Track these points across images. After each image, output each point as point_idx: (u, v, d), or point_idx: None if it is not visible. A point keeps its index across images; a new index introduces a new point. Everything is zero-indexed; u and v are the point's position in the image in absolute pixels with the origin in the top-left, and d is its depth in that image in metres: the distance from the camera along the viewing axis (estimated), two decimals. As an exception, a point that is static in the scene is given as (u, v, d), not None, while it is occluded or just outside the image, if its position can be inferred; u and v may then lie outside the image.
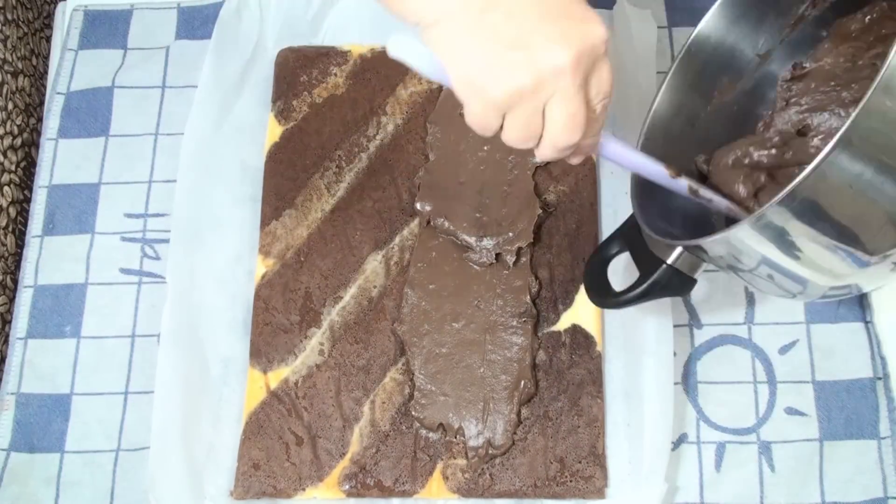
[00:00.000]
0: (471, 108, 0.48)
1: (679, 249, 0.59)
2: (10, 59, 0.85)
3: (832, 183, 0.50)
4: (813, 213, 0.51)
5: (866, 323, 0.70)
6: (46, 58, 0.90)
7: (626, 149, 0.57)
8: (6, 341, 0.77)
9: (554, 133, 0.49)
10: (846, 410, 0.68)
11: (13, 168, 0.83)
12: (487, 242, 0.71)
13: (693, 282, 0.60)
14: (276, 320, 0.72)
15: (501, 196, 0.72)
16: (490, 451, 0.67)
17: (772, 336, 0.71)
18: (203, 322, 0.72)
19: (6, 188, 0.81)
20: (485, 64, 0.46)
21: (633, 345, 0.69)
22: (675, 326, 0.69)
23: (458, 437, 0.67)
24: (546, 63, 0.46)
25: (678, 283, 0.60)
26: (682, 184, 0.59)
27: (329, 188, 0.75)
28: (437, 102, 0.77)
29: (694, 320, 0.71)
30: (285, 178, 0.76)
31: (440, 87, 0.77)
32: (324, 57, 0.80)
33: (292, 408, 0.69)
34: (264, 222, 0.75)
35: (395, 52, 0.47)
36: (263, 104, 0.79)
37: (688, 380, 0.70)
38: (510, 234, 0.71)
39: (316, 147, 0.77)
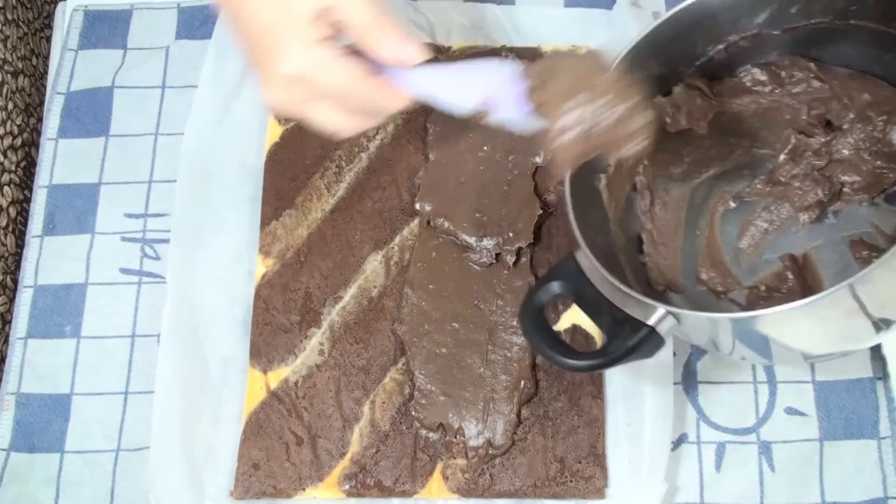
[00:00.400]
0: None
1: (662, 311, 0.54)
2: (10, 59, 0.85)
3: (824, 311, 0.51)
4: (796, 325, 0.52)
5: (866, 323, 0.70)
6: (46, 58, 0.90)
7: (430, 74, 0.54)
8: (6, 341, 0.77)
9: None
10: (846, 410, 0.68)
11: (13, 168, 0.83)
12: (487, 242, 0.71)
13: (664, 343, 0.56)
14: (276, 320, 0.72)
15: (501, 196, 0.72)
16: (490, 451, 0.67)
17: (772, 336, 0.71)
18: (203, 322, 0.72)
19: (6, 188, 0.81)
20: None
21: (633, 345, 0.69)
22: (675, 326, 0.69)
23: (458, 437, 0.67)
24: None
25: (653, 345, 0.55)
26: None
27: (329, 188, 0.75)
28: (437, 102, 0.77)
29: (694, 320, 0.71)
30: (285, 178, 0.76)
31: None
32: (324, 57, 0.80)
33: (292, 408, 0.69)
34: (264, 222, 0.75)
35: None
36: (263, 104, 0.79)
37: (688, 380, 0.70)
38: (510, 234, 0.71)
39: (316, 147, 0.77)
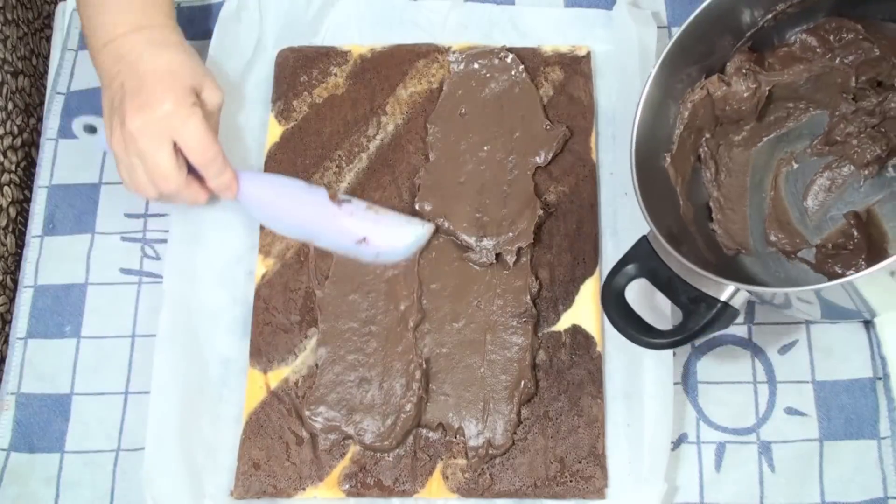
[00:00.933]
0: None
1: (733, 288, 0.58)
2: (10, 59, 0.85)
3: None
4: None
5: (866, 323, 0.70)
6: (46, 58, 0.90)
7: (266, 185, 0.69)
8: (6, 341, 0.77)
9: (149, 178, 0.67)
10: (846, 410, 0.68)
11: (13, 168, 0.83)
12: (487, 242, 0.71)
13: (738, 314, 0.60)
14: (276, 320, 0.72)
15: (501, 196, 0.72)
16: (490, 451, 0.67)
17: (772, 336, 0.71)
18: (203, 322, 0.72)
19: (6, 188, 0.81)
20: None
21: (633, 345, 0.69)
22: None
23: (458, 436, 0.67)
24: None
25: (728, 319, 0.59)
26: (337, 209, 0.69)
27: (329, 188, 0.75)
28: (437, 102, 0.77)
29: (694, 320, 0.71)
30: (285, 178, 0.76)
31: (440, 87, 0.77)
32: (324, 57, 0.80)
33: (292, 407, 0.69)
34: (264, 222, 0.75)
35: None
36: (263, 104, 0.79)
37: (688, 380, 0.70)
38: (510, 234, 0.71)
39: (316, 147, 0.77)
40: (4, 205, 0.81)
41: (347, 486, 0.67)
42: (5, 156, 0.82)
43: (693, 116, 0.68)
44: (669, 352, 0.67)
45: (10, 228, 0.81)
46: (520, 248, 0.71)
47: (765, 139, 0.72)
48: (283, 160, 0.76)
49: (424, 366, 0.68)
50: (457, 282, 0.71)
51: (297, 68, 0.79)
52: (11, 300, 0.78)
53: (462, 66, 0.77)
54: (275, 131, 0.77)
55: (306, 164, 0.76)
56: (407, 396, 0.67)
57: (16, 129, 0.84)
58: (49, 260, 0.76)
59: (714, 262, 0.67)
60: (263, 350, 0.71)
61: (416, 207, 0.73)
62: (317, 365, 0.69)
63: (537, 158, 0.74)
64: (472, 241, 0.71)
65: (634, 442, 0.67)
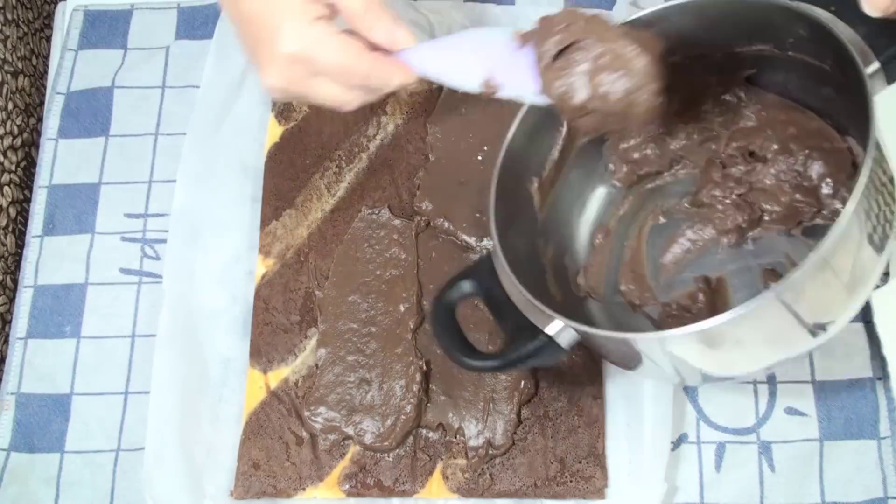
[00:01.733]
0: None
1: (561, 324, 0.54)
2: (10, 59, 0.85)
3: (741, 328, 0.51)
4: (712, 344, 0.52)
5: (866, 323, 0.70)
6: (46, 58, 0.90)
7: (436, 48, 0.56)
8: (6, 341, 0.77)
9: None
10: (846, 410, 0.68)
11: (13, 168, 0.83)
12: (487, 242, 0.71)
13: (565, 353, 0.56)
14: (276, 320, 0.72)
15: (501, 196, 0.72)
16: (490, 451, 0.67)
17: (772, 336, 0.71)
18: (202, 322, 0.72)
19: (6, 188, 0.81)
20: None
21: (633, 345, 0.69)
22: (675, 326, 0.69)
23: (458, 436, 0.67)
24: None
25: (551, 354, 0.56)
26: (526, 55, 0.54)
27: (329, 188, 0.75)
28: (437, 102, 0.77)
29: (694, 320, 0.71)
30: (285, 178, 0.76)
31: (440, 87, 0.77)
32: (324, 57, 0.80)
33: (292, 408, 0.69)
34: (264, 222, 0.75)
35: None
36: (263, 104, 0.79)
37: (688, 380, 0.70)
38: (510, 234, 0.71)
39: (316, 147, 0.77)
40: (4, 205, 0.81)
41: (347, 487, 0.67)
42: (5, 156, 0.82)
43: (568, 146, 0.66)
44: (669, 352, 0.67)
45: (10, 228, 0.81)
46: (520, 248, 0.71)
47: (639, 189, 0.69)
48: (283, 160, 0.76)
49: (424, 368, 0.68)
50: (457, 282, 0.71)
51: (297, 68, 0.79)
52: (11, 300, 0.78)
53: (462, 66, 0.77)
54: (275, 131, 0.77)
55: (306, 164, 0.76)
56: (407, 398, 0.67)
57: (16, 129, 0.84)
58: (49, 260, 0.76)
59: (560, 300, 0.64)
60: (263, 350, 0.71)
61: (416, 207, 0.73)
62: (317, 365, 0.69)
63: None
64: (472, 241, 0.71)
65: (634, 442, 0.67)
